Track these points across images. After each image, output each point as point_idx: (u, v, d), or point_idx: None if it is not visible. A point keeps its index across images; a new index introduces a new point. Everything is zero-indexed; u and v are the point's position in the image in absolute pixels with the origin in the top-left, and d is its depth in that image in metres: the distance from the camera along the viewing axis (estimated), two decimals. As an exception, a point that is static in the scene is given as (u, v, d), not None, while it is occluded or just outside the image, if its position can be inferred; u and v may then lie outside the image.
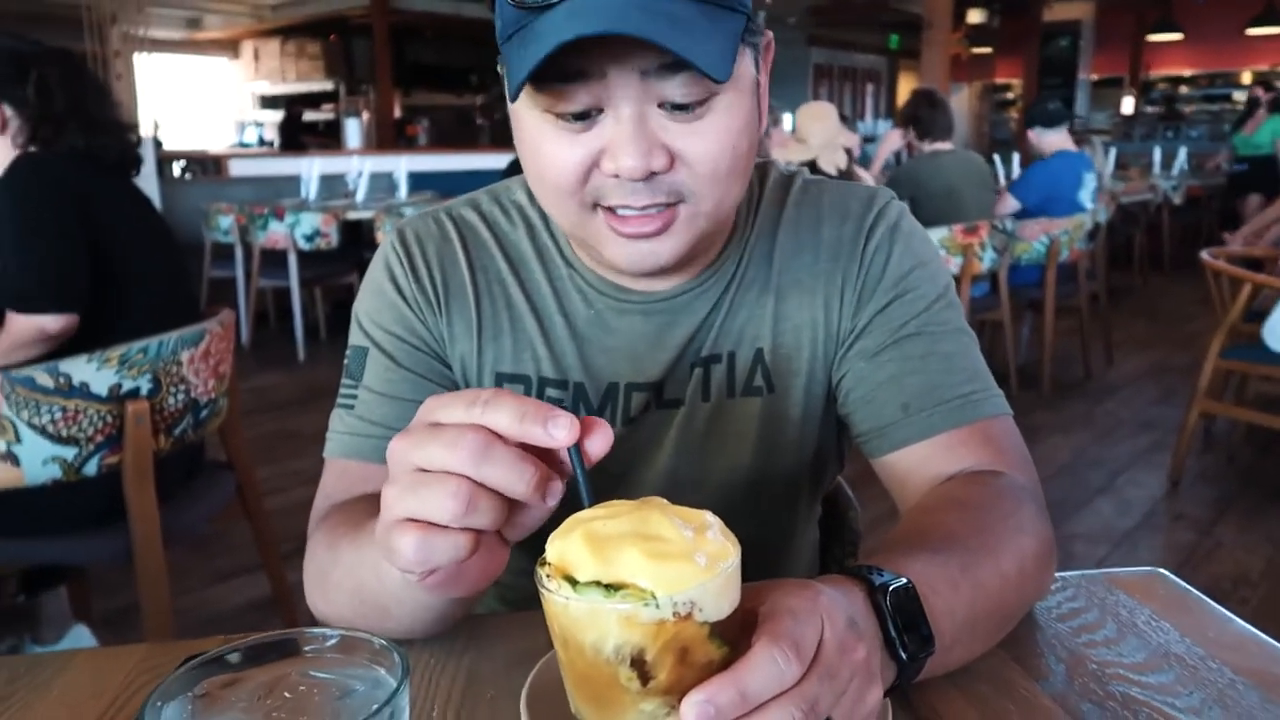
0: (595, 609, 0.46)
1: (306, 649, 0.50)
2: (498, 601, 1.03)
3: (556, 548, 0.49)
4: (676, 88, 0.69)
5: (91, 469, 1.75)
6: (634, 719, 0.48)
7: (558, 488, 0.52)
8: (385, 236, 0.92)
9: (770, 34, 0.80)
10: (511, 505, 0.52)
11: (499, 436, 0.51)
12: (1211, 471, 3.77)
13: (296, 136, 11.51)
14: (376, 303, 0.89)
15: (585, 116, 0.71)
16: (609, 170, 0.72)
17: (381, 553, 0.55)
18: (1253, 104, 8.98)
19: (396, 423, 0.84)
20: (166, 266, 2.00)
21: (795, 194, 0.92)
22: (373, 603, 0.70)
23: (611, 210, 0.75)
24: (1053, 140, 4.74)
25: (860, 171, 4.37)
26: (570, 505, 0.54)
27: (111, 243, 1.85)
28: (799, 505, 0.98)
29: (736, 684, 0.45)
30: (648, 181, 0.72)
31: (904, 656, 0.59)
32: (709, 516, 0.51)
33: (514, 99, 0.70)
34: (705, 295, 0.88)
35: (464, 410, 0.51)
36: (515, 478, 0.50)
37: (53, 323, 1.78)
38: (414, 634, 0.73)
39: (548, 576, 0.48)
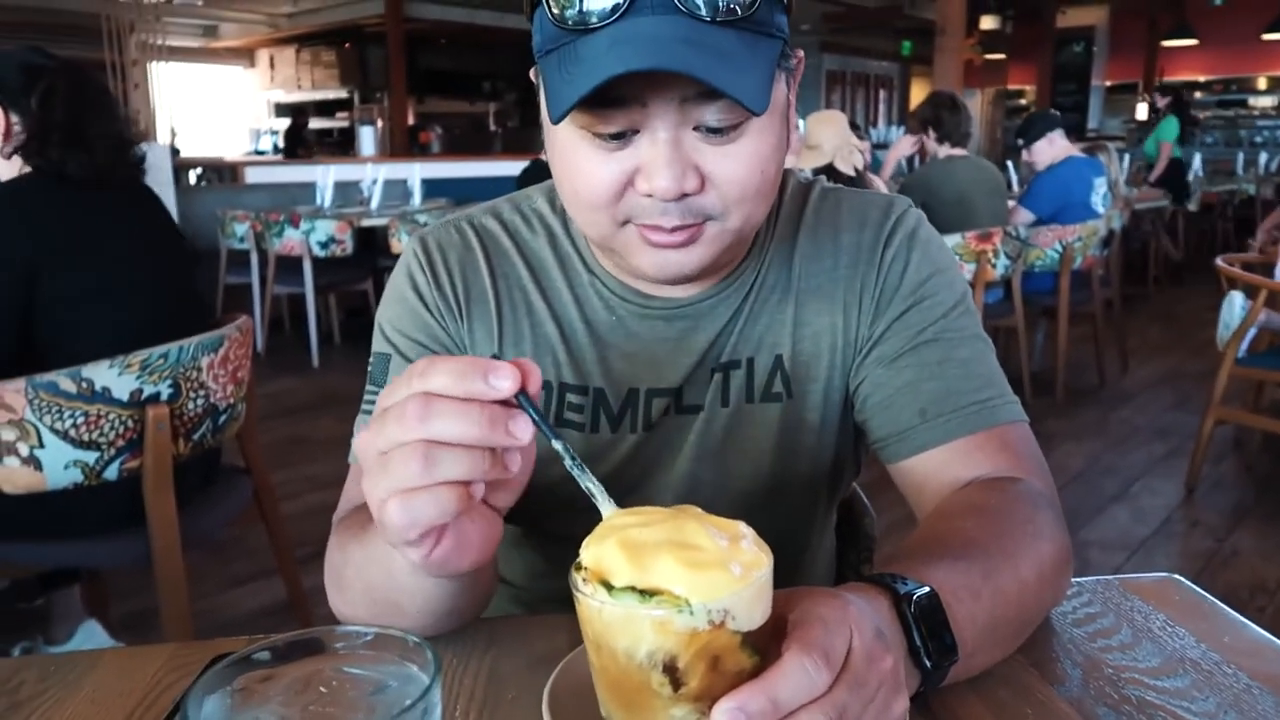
0: (630, 614, 0.47)
1: (338, 646, 0.51)
2: (514, 604, 1.04)
3: (592, 553, 0.50)
4: (713, 113, 0.71)
5: (112, 473, 1.77)
6: None
7: (522, 425, 0.52)
8: (407, 245, 0.93)
9: (801, 53, 0.81)
10: (489, 463, 0.53)
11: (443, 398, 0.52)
12: (1228, 479, 3.75)
13: (296, 146, 11.57)
14: (399, 310, 0.90)
15: (621, 136, 0.72)
16: (643, 190, 0.73)
17: (385, 540, 0.57)
18: (1154, 110, 9.04)
19: None
20: (154, 282, 1.97)
21: (814, 201, 0.93)
22: (384, 600, 0.71)
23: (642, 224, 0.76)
24: (1047, 150, 4.73)
25: (872, 178, 4.37)
26: (589, 509, 0.55)
27: (72, 270, 1.83)
28: (817, 511, 0.99)
29: (767, 692, 0.46)
30: (679, 202, 0.73)
31: (928, 665, 0.60)
32: (743, 527, 0.51)
33: (556, 121, 0.71)
34: (726, 301, 0.89)
35: (405, 387, 0.53)
36: (464, 423, 0.51)
37: None
38: (427, 630, 0.74)
39: (584, 580, 0.49)
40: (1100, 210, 4.70)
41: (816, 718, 0.47)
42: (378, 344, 0.91)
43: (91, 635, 2.20)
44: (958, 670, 0.64)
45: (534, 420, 0.52)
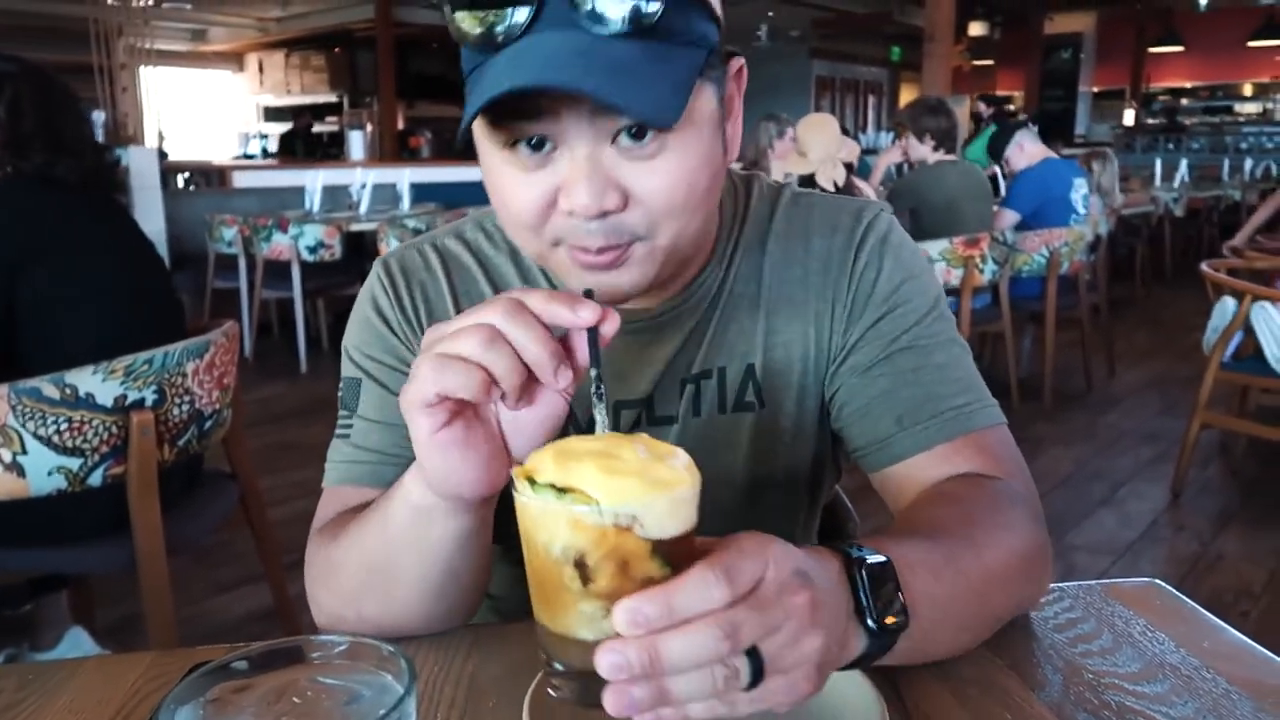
0: (546, 508, 0.51)
1: (314, 655, 0.51)
2: (493, 614, 1.04)
3: (531, 457, 0.54)
4: (627, 127, 0.69)
5: (96, 479, 1.76)
6: (575, 619, 0.51)
7: (568, 372, 0.60)
8: (372, 269, 0.93)
9: (741, 60, 0.80)
10: (522, 369, 0.59)
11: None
12: (1214, 483, 3.77)
13: (295, 145, 11.53)
14: (365, 334, 0.90)
15: (541, 146, 0.71)
16: (564, 208, 0.72)
17: (402, 400, 0.61)
18: (978, 120, 9.06)
19: (392, 448, 0.85)
20: (133, 286, 1.97)
21: (784, 207, 0.92)
22: (379, 566, 0.73)
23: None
24: (1020, 155, 4.80)
25: (860, 184, 4.38)
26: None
27: (54, 273, 1.82)
28: (797, 518, 0.99)
29: (665, 597, 0.48)
30: (602, 221, 0.71)
31: (871, 625, 0.60)
32: (680, 452, 0.55)
33: (459, 141, 0.71)
34: (690, 311, 0.88)
35: (502, 298, 0.60)
36: (536, 340, 0.58)
37: None
38: (419, 611, 0.75)
39: (515, 477, 0.54)
40: (1082, 209, 4.74)
41: (709, 629, 0.48)
42: (347, 369, 0.90)
43: (78, 643, 2.19)
44: (916, 650, 0.65)
45: (593, 355, 0.61)
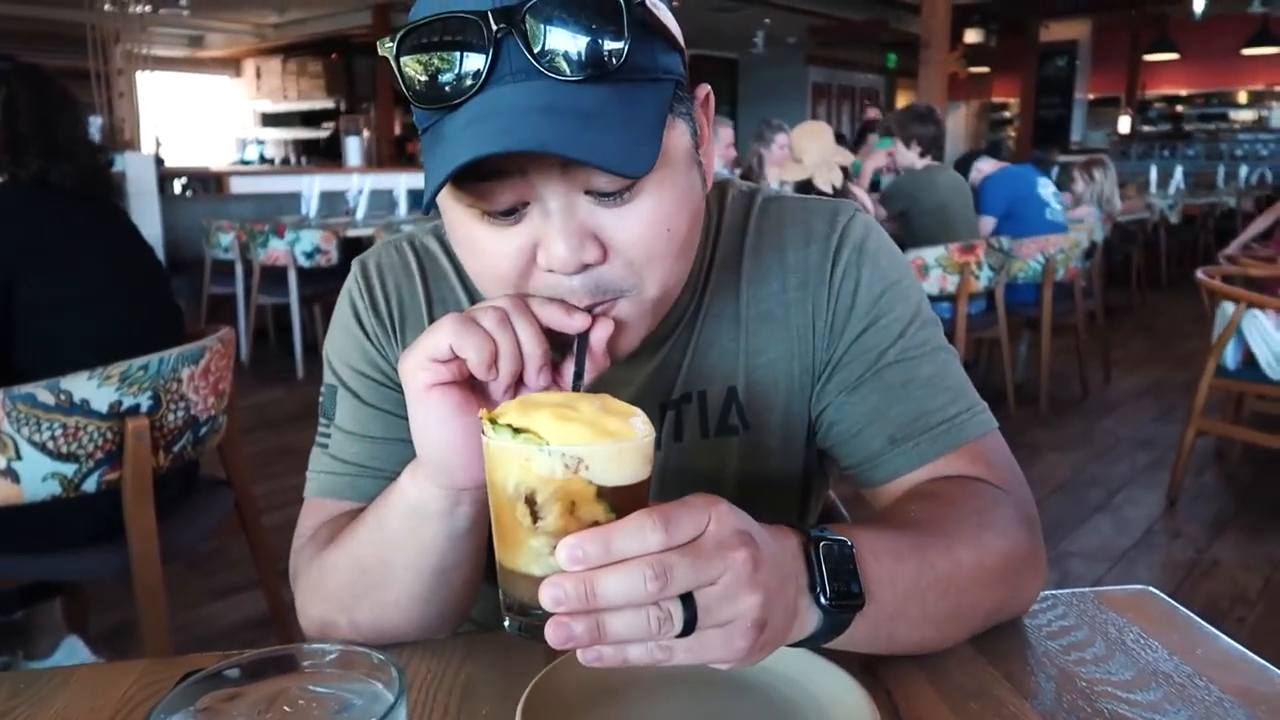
0: (503, 447, 0.55)
1: (305, 664, 0.51)
2: (479, 630, 1.04)
3: (501, 406, 0.58)
4: (600, 177, 0.65)
5: (91, 485, 1.75)
6: (525, 555, 0.55)
7: (548, 377, 0.66)
8: (351, 269, 0.92)
9: (708, 87, 0.77)
10: (519, 359, 0.64)
11: None
12: (1209, 490, 3.78)
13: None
14: (342, 339, 0.89)
15: (513, 212, 0.67)
16: (543, 265, 0.67)
17: (405, 361, 0.65)
18: (865, 130, 9.08)
19: (369, 460, 0.84)
20: (134, 287, 1.96)
21: (755, 216, 0.88)
22: (373, 566, 0.73)
23: None
24: (978, 175, 5.04)
25: (856, 190, 4.40)
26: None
27: (52, 279, 1.81)
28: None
29: (604, 537, 0.52)
30: (583, 277, 0.67)
31: (824, 602, 0.61)
32: (638, 412, 0.59)
33: (425, 210, 0.69)
34: (666, 334, 0.84)
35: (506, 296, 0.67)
36: (534, 337, 0.64)
37: None
38: (412, 611, 0.76)
39: (482, 420, 0.58)
40: (1056, 204, 4.83)
41: (640, 569, 0.51)
42: (326, 376, 0.90)
43: (74, 652, 2.17)
44: (874, 633, 0.65)
45: (576, 349, 0.67)
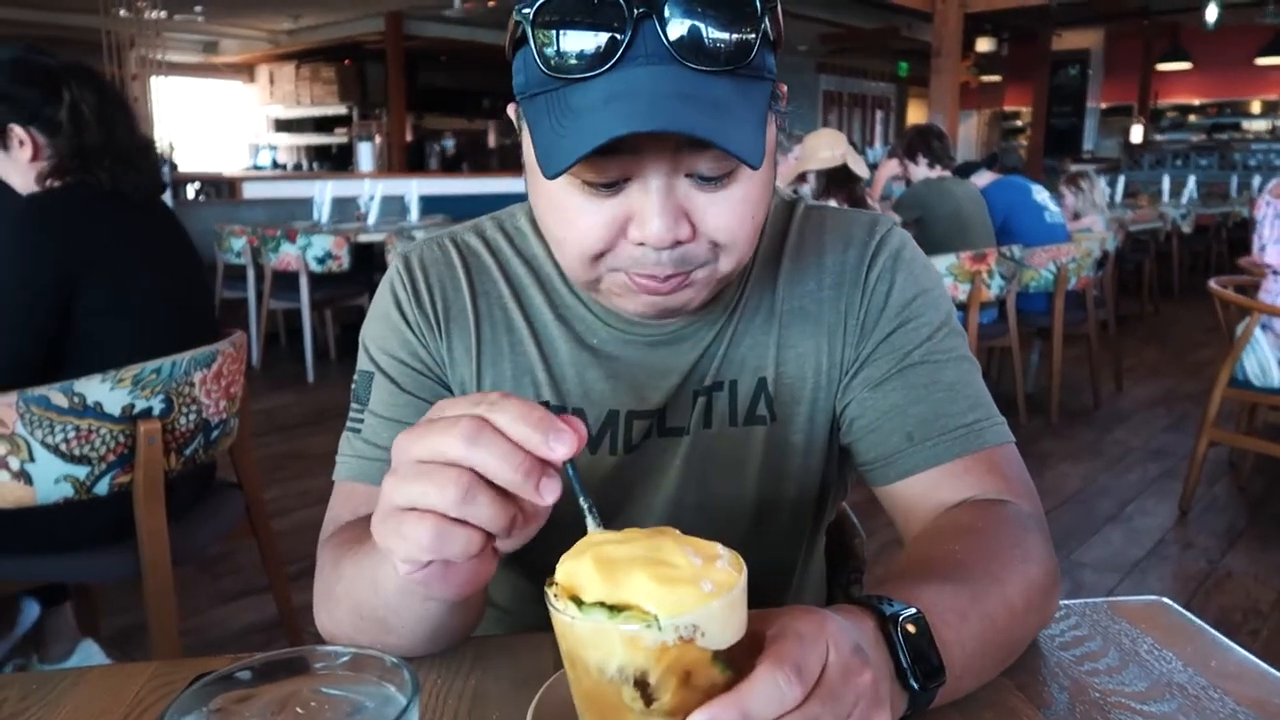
0: (599, 629, 0.47)
1: (318, 666, 0.51)
2: (498, 627, 1.03)
3: (566, 568, 0.50)
4: (706, 162, 0.69)
5: (103, 488, 1.76)
6: None
7: (554, 484, 0.52)
8: (392, 261, 0.93)
9: (784, 87, 0.80)
10: (513, 519, 0.53)
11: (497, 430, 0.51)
12: (1222, 501, 3.75)
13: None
14: (381, 328, 0.90)
15: (613, 185, 0.70)
16: (635, 238, 0.72)
17: (381, 542, 0.54)
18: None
19: None
20: (179, 295, 1.96)
21: (798, 220, 0.93)
22: (371, 616, 0.71)
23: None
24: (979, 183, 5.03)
25: (869, 200, 4.40)
26: (577, 534, 0.55)
27: (106, 283, 1.81)
28: (804, 533, 0.99)
29: (739, 704, 0.46)
30: (671, 252, 0.72)
31: (915, 686, 0.60)
32: (720, 548, 0.52)
33: (552, 178, 0.67)
34: (709, 324, 0.88)
35: (469, 406, 0.52)
36: (506, 464, 0.50)
37: None
38: (415, 650, 0.74)
39: (555, 596, 0.49)
40: (1054, 208, 4.85)
41: None
42: (362, 361, 0.91)
43: (90, 656, 2.18)
44: (945, 693, 0.64)
45: (571, 478, 0.54)
